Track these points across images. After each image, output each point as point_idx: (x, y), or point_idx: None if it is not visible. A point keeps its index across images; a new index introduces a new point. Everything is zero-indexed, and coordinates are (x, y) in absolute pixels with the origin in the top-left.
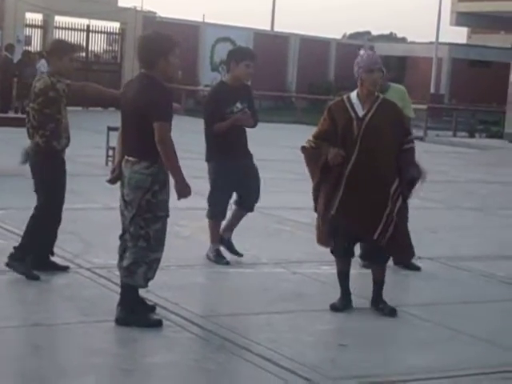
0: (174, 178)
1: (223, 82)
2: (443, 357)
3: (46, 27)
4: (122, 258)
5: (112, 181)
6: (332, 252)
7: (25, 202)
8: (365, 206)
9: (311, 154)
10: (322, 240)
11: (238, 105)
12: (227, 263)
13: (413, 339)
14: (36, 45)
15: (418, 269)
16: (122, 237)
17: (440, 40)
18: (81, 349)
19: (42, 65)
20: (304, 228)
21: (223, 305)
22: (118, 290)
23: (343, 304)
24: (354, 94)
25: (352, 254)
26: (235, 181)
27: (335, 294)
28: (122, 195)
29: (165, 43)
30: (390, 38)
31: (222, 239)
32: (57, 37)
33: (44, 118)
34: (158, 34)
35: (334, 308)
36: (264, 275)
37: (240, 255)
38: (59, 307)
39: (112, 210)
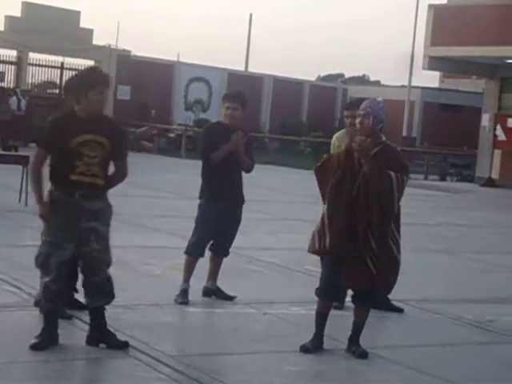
0: None
1: (218, 121)
2: None
3: (20, 64)
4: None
5: None
6: (316, 293)
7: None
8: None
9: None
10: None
11: None
12: (183, 303)
13: (381, 382)
14: (10, 81)
15: (400, 311)
16: None
17: (413, 84)
18: None
19: (13, 102)
20: (275, 269)
21: (193, 345)
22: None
23: (314, 346)
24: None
25: (336, 299)
26: (217, 223)
27: (306, 335)
28: None
29: (87, 80)
30: (363, 80)
31: (209, 290)
32: (30, 73)
33: None
34: (86, 70)
35: (305, 349)
36: (234, 315)
37: (233, 298)
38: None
39: None
